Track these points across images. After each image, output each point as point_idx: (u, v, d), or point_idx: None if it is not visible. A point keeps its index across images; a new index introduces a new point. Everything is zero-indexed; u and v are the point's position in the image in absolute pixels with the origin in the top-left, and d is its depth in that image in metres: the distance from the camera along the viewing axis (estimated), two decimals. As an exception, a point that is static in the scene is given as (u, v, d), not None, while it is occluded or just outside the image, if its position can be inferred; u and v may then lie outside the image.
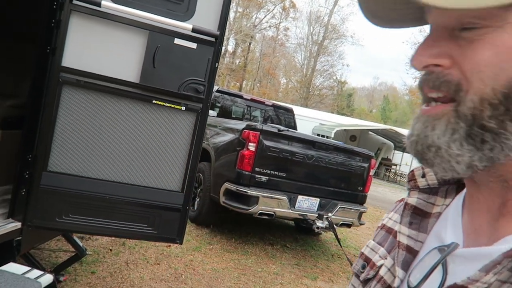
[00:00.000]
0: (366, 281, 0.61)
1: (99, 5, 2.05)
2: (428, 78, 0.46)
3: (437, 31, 0.45)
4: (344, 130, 23.07)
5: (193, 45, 2.24)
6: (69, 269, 3.23)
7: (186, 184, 2.35)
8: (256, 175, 4.91)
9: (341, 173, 5.40)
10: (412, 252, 0.54)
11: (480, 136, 0.42)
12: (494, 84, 0.40)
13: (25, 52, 3.00)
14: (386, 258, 0.59)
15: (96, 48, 2.15)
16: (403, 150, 23.68)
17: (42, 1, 2.11)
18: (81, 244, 2.98)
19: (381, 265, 0.59)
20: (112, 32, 2.16)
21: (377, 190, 15.37)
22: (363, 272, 0.63)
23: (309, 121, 22.73)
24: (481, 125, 0.41)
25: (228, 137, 5.28)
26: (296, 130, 7.02)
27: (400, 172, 22.26)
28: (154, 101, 2.24)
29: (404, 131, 23.66)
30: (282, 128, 5.07)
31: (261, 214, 4.88)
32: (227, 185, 4.94)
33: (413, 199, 0.58)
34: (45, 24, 2.13)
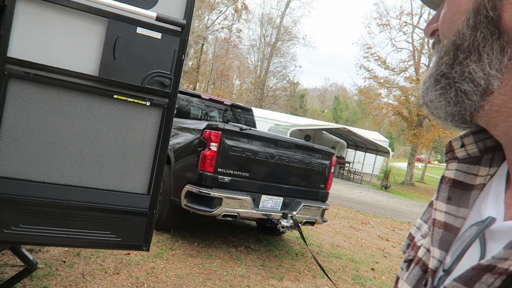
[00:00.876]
0: (409, 262, 0.57)
1: (50, -12, 1.84)
2: (434, 41, 0.52)
3: (443, 4, 0.51)
4: (299, 130, 23.42)
5: (158, 35, 2.08)
6: (18, 286, 2.92)
7: (152, 186, 2.17)
8: (219, 176, 4.78)
9: (303, 171, 5.39)
10: (452, 230, 0.50)
11: (441, 81, 0.47)
12: (449, 35, 0.47)
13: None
14: (426, 238, 0.55)
15: (48, 37, 1.92)
16: (356, 148, 24.47)
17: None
18: (30, 257, 2.70)
19: (421, 245, 0.55)
20: (66, 19, 1.94)
21: (333, 187, 15.71)
22: (406, 252, 0.60)
23: (265, 121, 22.89)
24: (441, 71, 0.47)
25: (188, 137, 5.09)
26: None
27: (353, 169, 22.93)
28: (115, 96, 2.05)
29: (357, 130, 24.44)
30: (244, 127, 4.96)
31: (225, 215, 4.75)
32: (188, 187, 4.75)
33: (451, 172, 0.53)
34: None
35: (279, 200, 5.19)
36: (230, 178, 4.84)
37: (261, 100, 34.29)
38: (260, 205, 5.05)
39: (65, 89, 1.97)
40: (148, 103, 2.10)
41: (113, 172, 2.09)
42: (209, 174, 4.73)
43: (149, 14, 2.01)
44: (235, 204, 4.77)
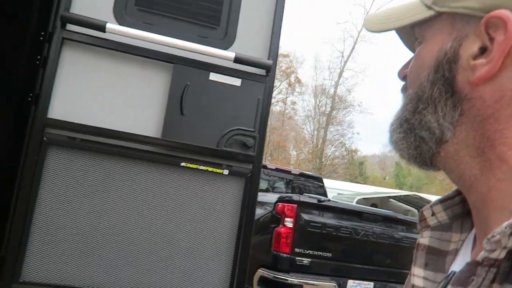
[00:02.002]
0: None
1: (103, 29, 1.42)
2: (403, 85, 0.59)
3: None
4: (364, 198, 22.03)
5: (236, 82, 1.57)
6: None
7: (235, 284, 1.53)
8: (297, 258, 4.03)
9: (394, 248, 4.48)
10: None
11: (403, 125, 0.53)
12: (414, 85, 0.53)
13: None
14: None
15: (97, 91, 1.48)
16: (430, 216, 22.20)
17: (23, 34, 1.48)
18: None
19: None
20: (121, 68, 1.51)
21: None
22: None
23: (327, 191, 21.81)
24: (404, 116, 0.53)
25: (258, 212, 4.47)
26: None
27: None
28: (182, 164, 1.51)
29: (428, 196, 22.46)
30: (322, 198, 4.29)
31: (306, 306, 3.93)
32: (261, 271, 4.03)
33: (426, 239, 0.57)
34: (26, 64, 1.49)
35: (370, 285, 4.30)
36: (310, 259, 4.08)
37: (320, 169, 33.40)
38: (347, 292, 4.20)
39: (119, 157, 1.47)
40: (226, 172, 1.54)
41: (181, 272, 1.48)
42: (285, 255, 4.01)
43: (226, 55, 1.52)
44: (317, 292, 3.99)
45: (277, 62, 1.69)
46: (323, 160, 35.40)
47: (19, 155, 1.43)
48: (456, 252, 0.54)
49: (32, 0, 1.55)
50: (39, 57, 1.44)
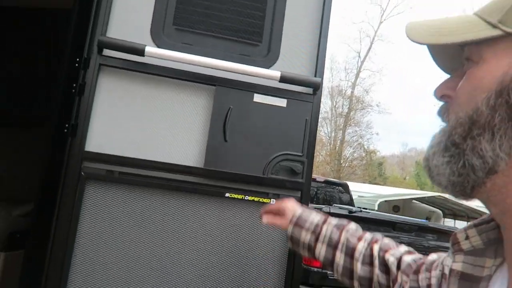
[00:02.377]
0: None
1: (141, 53, 1.32)
2: (442, 106, 0.56)
3: (456, 71, 0.56)
4: (386, 201, 21.56)
5: (282, 102, 1.45)
6: None
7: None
8: (329, 272, 3.88)
9: (430, 259, 4.27)
10: None
11: (451, 149, 0.50)
12: (466, 108, 0.49)
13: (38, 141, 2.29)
14: None
15: (135, 119, 1.39)
16: (455, 217, 21.69)
17: (58, 60, 1.40)
18: None
19: None
20: (160, 93, 1.41)
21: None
22: None
23: (347, 194, 21.42)
24: (452, 140, 0.50)
25: (287, 224, 4.34)
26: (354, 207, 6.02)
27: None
28: (227, 195, 1.40)
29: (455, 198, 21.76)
30: (353, 209, 4.14)
31: (340, 322, 3.74)
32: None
33: (459, 264, 0.55)
34: (63, 92, 1.41)
35: (406, 298, 4.09)
36: (342, 273, 3.91)
37: (339, 171, 32.94)
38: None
39: (160, 189, 1.37)
40: (273, 202, 1.42)
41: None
42: (316, 269, 3.87)
43: (272, 75, 1.41)
44: (351, 307, 3.78)
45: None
46: (341, 162, 34.97)
47: (57, 189, 1.34)
48: (489, 278, 0.53)
49: (67, 24, 1.47)
50: (74, 85, 1.35)
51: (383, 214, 4.72)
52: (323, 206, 4.29)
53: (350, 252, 0.92)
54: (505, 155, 0.45)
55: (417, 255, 0.86)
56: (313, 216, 1.01)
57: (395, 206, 23.11)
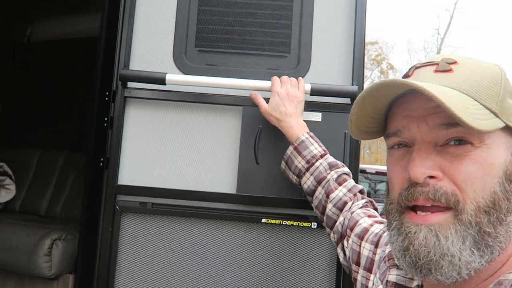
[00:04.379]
0: None
1: (162, 82, 1.30)
2: (424, 190, 0.52)
3: (424, 145, 0.53)
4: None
5: (317, 117, 1.33)
6: None
7: None
8: None
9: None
10: None
11: (484, 241, 0.49)
12: (483, 194, 0.50)
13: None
14: None
15: (165, 149, 1.37)
16: None
17: (91, 94, 1.43)
18: None
19: None
20: (185, 120, 1.37)
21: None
22: None
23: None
24: (484, 231, 0.49)
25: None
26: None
27: None
28: (263, 220, 1.32)
29: None
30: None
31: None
32: None
33: (393, 276, 0.65)
34: (96, 126, 1.44)
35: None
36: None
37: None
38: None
39: (193, 217, 1.34)
40: (314, 225, 1.31)
41: None
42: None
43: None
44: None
45: (366, 51, 1.41)
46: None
47: (98, 220, 1.38)
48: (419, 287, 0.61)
49: (95, 54, 1.50)
50: (106, 119, 1.37)
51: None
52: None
53: (327, 192, 1.05)
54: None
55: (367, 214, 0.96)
56: (315, 147, 1.11)
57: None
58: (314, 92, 1.30)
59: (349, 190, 1.04)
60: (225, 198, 1.33)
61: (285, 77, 1.25)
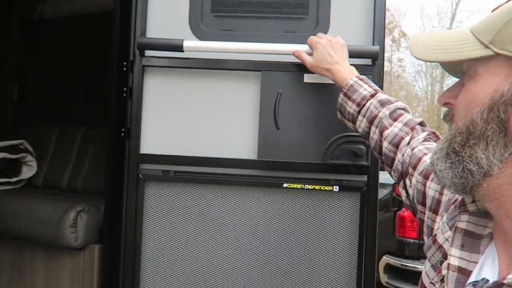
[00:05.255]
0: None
1: (180, 49, 1.28)
2: (446, 112, 0.63)
3: (455, 83, 0.62)
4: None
5: (337, 79, 1.30)
6: None
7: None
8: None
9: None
10: (465, 273, 0.58)
11: (451, 156, 0.57)
12: (464, 119, 0.56)
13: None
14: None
15: (184, 117, 1.36)
16: None
17: (109, 64, 1.42)
18: None
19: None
20: (205, 87, 1.36)
21: None
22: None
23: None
24: (453, 147, 0.57)
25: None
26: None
27: None
28: (285, 185, 1.32)
29: None
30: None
31: (442, 295, 3.50)
32: (387, 258, 3.70)
33: (463, 223, 0.62)
34: (116, 97, 1.44)
35: None
36: (441, 243, 3.62)
37: (439, 127, 30.41)
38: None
39: (216, 184, 1.35)
40: (336, 188, 1.30)
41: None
42: (412, 240, 3.62)
43: (320, 50, 1.26)
44: (454, 279, 3.51)
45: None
46: (441, 117, 32.01)
47: (122, 190, 1.39)
48: (491, 235, 0.60)
49: (111, 26, 1.48)
50: (125, 89, 1.37)
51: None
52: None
53: (381, 130, 0.99)
54: (498, 161, 0.52)
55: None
56: (364, 88, 1.06)
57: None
58: (334, 53, 1.26)
59: (405, 124, 0.96)
60: (246, 164, 1.33)
61: (320, 33, 1.22)
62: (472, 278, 0.57)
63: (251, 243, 1.35)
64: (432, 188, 0.80)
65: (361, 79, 1.09)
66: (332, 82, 1.26)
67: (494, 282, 0.49)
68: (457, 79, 0.65)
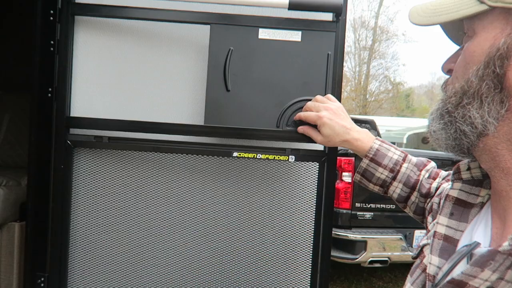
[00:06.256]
0: (415, 268, 0.66)
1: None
2: (446, 80, 0.59)
3: (460, 46, 0.60)
4: (414, 133, 21.01)
5: (295, 36, 1.17)
6: None
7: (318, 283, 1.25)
8: (358, 213, 3.78)
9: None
10: (451, 242, 0.58)
11: (445, 117, 0.55)
12: (461, 80, 0.54)
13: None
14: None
15: (122, 76, 1.16)
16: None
17: (33, 12, 1.15)
18: None
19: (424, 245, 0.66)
20: (146, 42, 1.16)
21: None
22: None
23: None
24: (446, 108, 0.55)
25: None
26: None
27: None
28: (235, 154, 1.19)
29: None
30: (383, 147, 3.88)
31: (372, 262, 3.73)
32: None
33: (455, 191, 0.62)
34: (40, 52, 1.18)
35: (440, 234, 3.96)
36: (372, 213, 3.82)
37: (365, 106, 32.04)
38: (415, 244, 3.94)
39: (157, 152, 1.18)
40: (292, 158, 1.20)
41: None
42: (346, 211, 3.76)
43: (277, 2, 1.12)
44: (383, 246, 3.74)
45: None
46: (367, 97, 33.85)
47: (49, 158, 1.17)
48: (481, 205, 0.59)
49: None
50: (52, 42, 1.12)
51: (412, 150, 4.46)
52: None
53: (424, 194, 0.92)
54: (494, 119, 0.50)
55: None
56: (393, 152, 1.00)
57: (424, 138, 22.57)
58: (292, 6, 1.13)
59: (440, 177, 0.93)
60: (191, 130, 1.17)
61: (309, 103, 1.10)
62: (462, 243, 0.56)
63: (197, 218, 1.21)
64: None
65: (383, 142, 1.02)
66: (294, 40, 1.14)
67: (489, 250, 0.46)
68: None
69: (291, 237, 1.23)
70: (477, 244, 0.52)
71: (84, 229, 1.18)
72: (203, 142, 1.20)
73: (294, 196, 1.23)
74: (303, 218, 1.23)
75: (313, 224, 1.21)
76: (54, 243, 1.17)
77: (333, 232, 3.66)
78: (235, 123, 1.17)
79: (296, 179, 1.22)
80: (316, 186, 1.20)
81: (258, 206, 1.22)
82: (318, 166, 1.20)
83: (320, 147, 1.20)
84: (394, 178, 0.98)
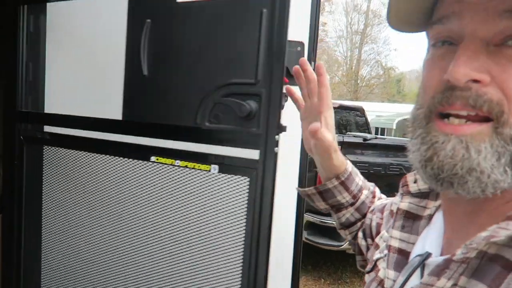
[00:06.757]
0: (368, 272, 0.63)
1: None
2: (464, 95, 0.40)
3: (474, 42, 0.40)
4: (404, 119, 20.87)
5: None
6: None
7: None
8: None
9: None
10: (404, 254, 0.56)
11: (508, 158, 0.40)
12: None
13: None
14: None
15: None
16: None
17: None
18: None
19: (378, 259, 0.61)
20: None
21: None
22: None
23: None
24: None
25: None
26: (371, 133, 5.48)
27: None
28: (152, 158, 0.92)
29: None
30: (369, 136, 3.72)
31: (358, 248, 3.56)
32: (307, 216, 3.64)
33: (405, 204, 0.60)
34: None
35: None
36: (359, 201, 3.63)
37: (356, 91, 31.81)
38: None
39: (86, 152, 0.92)
40: (215, 169, 0.91)
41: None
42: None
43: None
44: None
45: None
46: (358, 82, 33.32)
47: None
48: (430, 217, 0.57)
49: None
50: None
51: (399, 139, 4.29)
52: (337, 135, 3.86)
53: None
54: None
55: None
56: (359, 177, 0.87)
57: (414, 123, 22.35)
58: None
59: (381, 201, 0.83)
60: (110, 127, 0.90)
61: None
62: (414, 253, 0.53)
63: (119, 225, 0.96)
64: (384, 217, 0.72)
65: (348, 159, 0.85)
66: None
67: (444, 259, 0.43)
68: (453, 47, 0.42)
69: (217, 267, 0.97)
70: (428, 254, 0.50)
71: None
72: (123, 141, 0.94)
73: (221, 212, 0.95)
74: (231, 241, 0.96)
75: (241, 252, 0.94)
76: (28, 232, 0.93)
77: (319, 219, 3.48)
78: (153, 117, 0.90)
79: (221, 194, 0.93)
80: (245, 208, 0.92)
81: (181, 221, 0.95)
82: (248, 182, 0.89)
83: (252, 155, 0.89)
84: (352, 204, 0.85)
